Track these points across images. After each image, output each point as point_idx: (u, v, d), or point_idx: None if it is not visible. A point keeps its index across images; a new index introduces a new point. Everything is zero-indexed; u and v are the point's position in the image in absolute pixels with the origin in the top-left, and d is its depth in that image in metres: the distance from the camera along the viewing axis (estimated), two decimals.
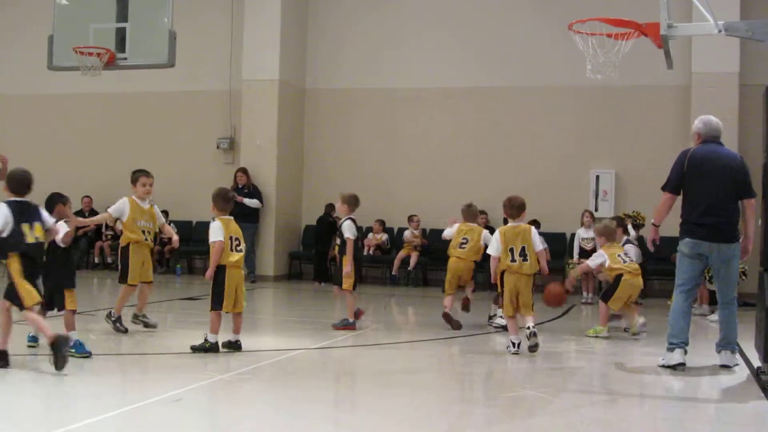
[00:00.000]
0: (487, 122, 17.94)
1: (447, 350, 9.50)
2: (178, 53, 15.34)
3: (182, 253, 18.86)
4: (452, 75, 18.04)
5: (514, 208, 9.18)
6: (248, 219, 17.33)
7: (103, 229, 19.19)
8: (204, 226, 18.78)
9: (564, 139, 17.33)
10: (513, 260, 8.92)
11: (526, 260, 8.93)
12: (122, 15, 15.75)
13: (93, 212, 19.34)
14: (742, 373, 8.41)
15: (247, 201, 17.14)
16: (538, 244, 9.05)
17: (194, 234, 19.17)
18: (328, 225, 17.70)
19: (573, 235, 15.91)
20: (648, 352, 9.48)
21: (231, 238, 8.60)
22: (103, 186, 19.58)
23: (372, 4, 18.70)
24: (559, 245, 16.70)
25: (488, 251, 9.33)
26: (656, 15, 9.18)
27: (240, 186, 17.36)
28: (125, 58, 15.55)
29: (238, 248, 8.64)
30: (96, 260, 19.10)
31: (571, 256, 15.19)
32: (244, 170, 17.62)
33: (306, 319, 12.09)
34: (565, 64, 16.13)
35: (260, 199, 17.53)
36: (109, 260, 19.03)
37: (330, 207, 17.78)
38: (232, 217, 8.84)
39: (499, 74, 17.78)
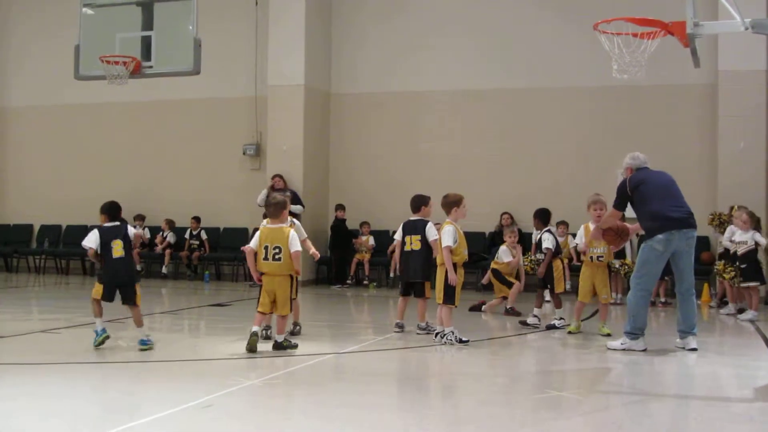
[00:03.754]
0: (510, 124, 17.89)
1: (475, 353, 9.47)
2: (204, 60, 15.41)
3: (210, 259, 18.97)
4: (476, 77, 18.01)
5: (443, 205, 9.94)
6: None
7: None
8: (231, 232, 19.00)
9: (589, 140, 17.25)
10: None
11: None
12: (148, 23, 15.85)
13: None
14: None
15: (293, 207, 17.11)
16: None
17: (222, 240, 19.26)
18: (339, 227, 17.79)
19: None
20: (678, 352, 9.41)
21: (266, 247, 8.78)
22: (132, 194, 19.73)
23: (395, 8, 18.72)
24: None
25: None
26: (682, 13, 9.14)
27: (278, 191, 17.34)
28: (151, 67, 15.64)
29: (276, 257, 8.75)
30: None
31: None
32: (280, 176, 17.55)
33: (335, 323, 12.09)
34: (589, 64, 16.10)
35: (302, 204, 17.35)
36: (138, 267, 19.15)
37: (337, 208, 17.88)
38: (280, 225, 8.91)
39: (523, 76, 17.73)
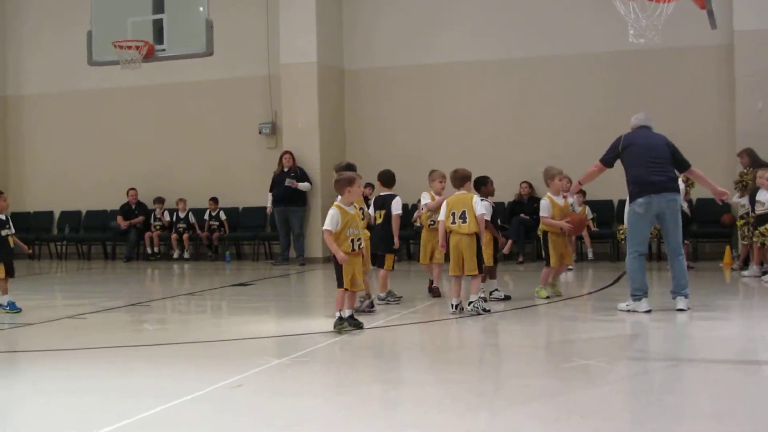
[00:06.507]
0: (527, 93, 17.78)
1: (497, 324, 9.50)
2: (216, 41, 15.39)
3: (231, 239, 19.03)
4: (490, 47, 17.88)
5: (458, 179, 10.08)
6: (297, 202, 17.39)
7: (152, 220, 19.39)
8: (250, 211, 19.02)
9: (606, 106, 17.10)
10: (453, 222, 9.76)
11: (465, 222, 9.67)
12: (158, 6, 15.85)
13: (140, 204, 19.56)
14: None
15: (301, 185, 17.18)
16: (479, 209, 9.75)
17: (242, 220, 19.31)
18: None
19: (621, 202, 15.78)
20: (702, 316, 9.40)
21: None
22: (149, 178, 19.82)
23: None
24: (606, 213, 16.63)
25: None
26: None
27: (286, 169, 17.36)
28: (164, 50, 15.66)
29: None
30: (149, 251, 19.27)
31: (621, 223, 15.02)
32: (290, 153, 17.59)
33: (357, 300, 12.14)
34: (604, 29, 16.02)
35: (309, 181, 17.52)
36: (156, 250, 19.22)
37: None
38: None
39: (538, 44, 17.57)
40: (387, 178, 11.07)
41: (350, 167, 10.27)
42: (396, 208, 10.64)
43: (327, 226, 8.77)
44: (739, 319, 9.71)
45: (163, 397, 6.05)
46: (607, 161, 9.98)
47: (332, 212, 8.85)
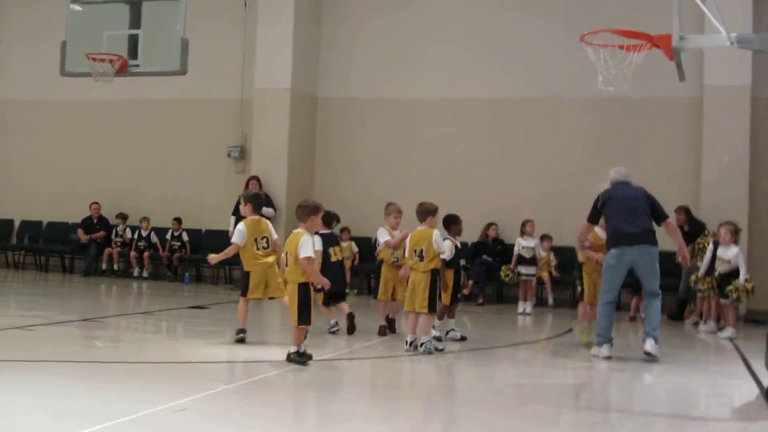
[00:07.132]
0: (498, 133, 17.79)
1: (452, 365, 9.43)
2: (190, 61, 15.33)
3: (191, 261, 18.84)
4: (465, 85, 17.91)
5: (421, 213, 9.83)
6: None
7: (113, 236, 19.17)
8: (213, 234, 18.84)
9: (575, 151, 17.17)
10: (413, 259, 9.61)
11: (422, 260, 9.49)
12: (135, 22, 15.81)
13: (102, 219, 19.35)
14: (751, 392, 8.30)
15: (264, 210, 16.97)
16: (438, 247, 9.58)
17: (204, 242, 19.13)
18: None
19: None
20: (656, 369, 9.39)
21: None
22: (113, 193, 19.63)
23: (385, 13, 18.61)
24: (571, 259, 16.55)
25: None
26: (668, 26, 9.15)
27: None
28: (137, 65, 15.60)
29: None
30: (104, 266, 19.04)
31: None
32: (257, 178, 17.45)
33: (313, 330, 12.03)
34: (577, 75, 16.03)
35: (273, 207, 17.32)
36: (115, 267, 19.00)
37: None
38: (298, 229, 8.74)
39: (511, 85, 17.64)
40: (330, 219, 11.03)
41: (258, 196, 10.41)
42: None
43: (308, 253, 8.27)
44: (693, 373, 9.70)
45: (102, 416, 5.91)
46: (592, 218, 10.21)
47: (311, 239, 8.46)
